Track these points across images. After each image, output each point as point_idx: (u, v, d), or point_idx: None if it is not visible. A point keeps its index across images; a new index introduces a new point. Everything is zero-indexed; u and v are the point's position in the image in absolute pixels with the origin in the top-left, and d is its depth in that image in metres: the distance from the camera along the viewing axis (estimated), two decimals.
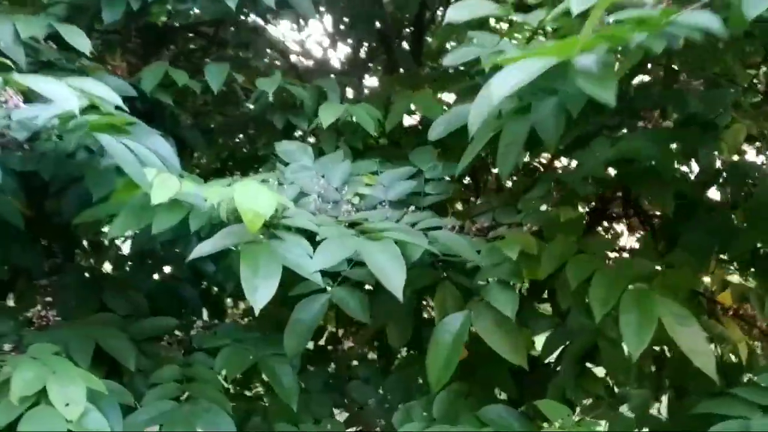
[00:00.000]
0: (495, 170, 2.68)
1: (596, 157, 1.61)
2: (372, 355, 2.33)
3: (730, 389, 1.39)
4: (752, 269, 1.99)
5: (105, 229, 1.88)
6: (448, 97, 2.40)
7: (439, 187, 1.89)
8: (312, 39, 3.84)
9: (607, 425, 1.64)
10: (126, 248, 2.39)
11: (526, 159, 2.30)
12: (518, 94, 1.37)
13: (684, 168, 1.98)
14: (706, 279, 2.00)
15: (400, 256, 1.33)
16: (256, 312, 1.22)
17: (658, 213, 2.13)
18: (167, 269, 2.27)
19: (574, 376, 1.68)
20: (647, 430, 1.82)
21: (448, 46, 3.01)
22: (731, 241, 1.72)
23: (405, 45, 3.14)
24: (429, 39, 3.21)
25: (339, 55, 3.46)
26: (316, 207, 1.66)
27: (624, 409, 1.78)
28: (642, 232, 2.23)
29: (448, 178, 1.94)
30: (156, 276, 2.24)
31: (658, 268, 1.57)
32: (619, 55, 1.19)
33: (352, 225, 1.52)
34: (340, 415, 1.96)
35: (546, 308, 1.96)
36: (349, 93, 2.77)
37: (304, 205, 1.66)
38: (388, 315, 1.69)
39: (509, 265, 1.52)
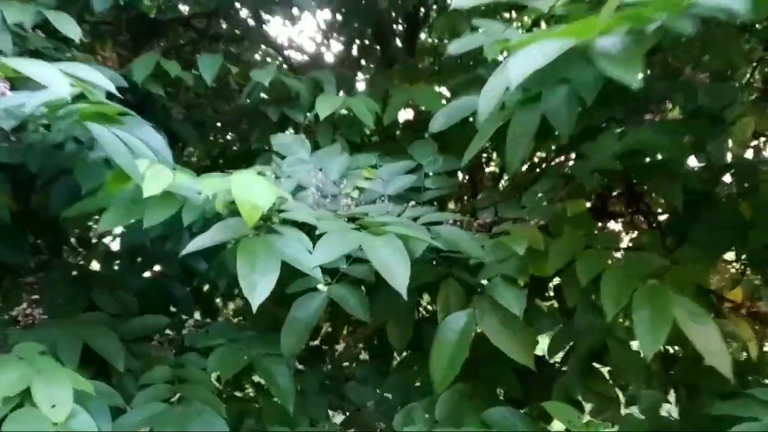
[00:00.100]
0: (489, 168, 2.66)
1: (605, 150, 1.56)
2: (364, 355, 2.28)
3: (746, 390, 1.34)
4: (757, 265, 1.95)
5: (95, 225, 1.84)
6: (445, 92, 2.34)
7: (439, 181, 1.84)
8: (304, 35, 3.82)
9: (617, 427, 1.58)
10: (115, 245, 2.34)
11: None
12: (522, 85, 1.32)
13: (690, 162, 1.93)
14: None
15: (404, 251, 1.27)
16: (254, 309, 1.16)
17: (661, 209, 2.09)
18: (158, 267, 2.21)
19: (581, 376, 1.63)
20: None
21: (444, 41, 2.98)
22: (741, 237, 1.67)
23: (398, 42, 3.10)
24: (422, 36, 3.18)
25: (332, 51, 3.43)
26: (315, 201, 1.60)
27: (633, 410, 1.72)
28: (646, 228, 2.17)
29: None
30: (146, 273, 2.18)
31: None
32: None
33: (351, 219, 1.47)
34: (337, 417, 1.91)
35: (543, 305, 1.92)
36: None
37: (302, 198, 1.60)
38: (388, 313, 1.64)
39: (515, 261, 1.46)
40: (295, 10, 2.90)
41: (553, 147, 2.19)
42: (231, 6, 2.76)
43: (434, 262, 1.61)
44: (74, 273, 2.02)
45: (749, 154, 2.20)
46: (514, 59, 0.90)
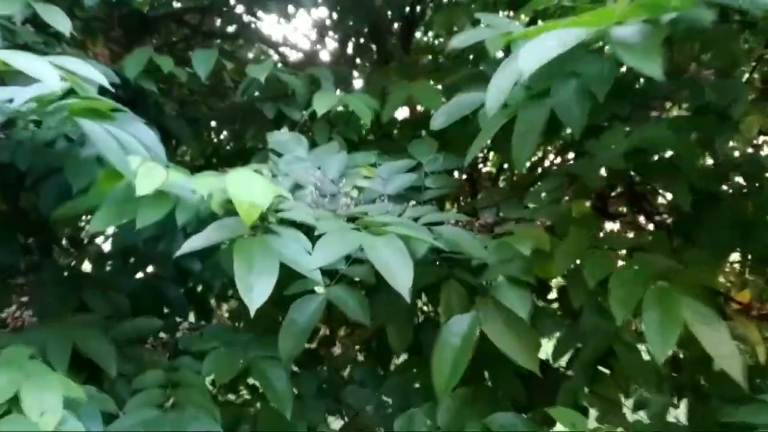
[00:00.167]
0: (485, 167, 2.63)
1: (612, 148, 1.52)
2: (361, 358, 2.24)
3: (757, 395, 1.30)
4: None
5: (86, 225, 1.80)
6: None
7: (439, 180, 1.80)
8: (299, 33, 3.79)
9: None
10: (107, 246, 2.29)
11: None
12: (526, 81, 1.29)
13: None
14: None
15: (406, 252, 1.22)
16: (251, 313, 1.11)
17: (663, 209, 2.05)
18: (150, 267, 2.17)
19: (587, 380, 1.59)
20: None
21: (441, 39, 2.96)
22: (748, 237, 1.63)
23: (393, 41, 3.07)
24: (417, 35, 3.16)
25: (327, 49, 3.40)
26: (313, 200, 1.55)
27: (642, 414, 1.68)
28: (647, 228, 2.14)
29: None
30: (139, 274, 2.14)
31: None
32: None
33: (351, 219, 1.42)
34: (334, 422, 1.87)
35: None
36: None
37: (300, 198, 1.55)
38: (387, 315, 1.59)
39: (520, 262, 1.42)
40: (290, 8, 2.87)
41: (549, 147, 2.16)
42: (225, 2, 2.73)
43: (436, 263, 1.56)
44: (65, 274, 1.99)
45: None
46: (525, 49, 0.85)
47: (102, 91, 1.36)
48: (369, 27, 3.00)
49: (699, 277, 1.46)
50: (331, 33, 3.34)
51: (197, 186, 1.27)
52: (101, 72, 1.47)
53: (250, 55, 3.47)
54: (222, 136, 2.83)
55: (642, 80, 1.77)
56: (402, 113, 2.41)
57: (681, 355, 1.81)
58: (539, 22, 1.83)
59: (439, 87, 2.19)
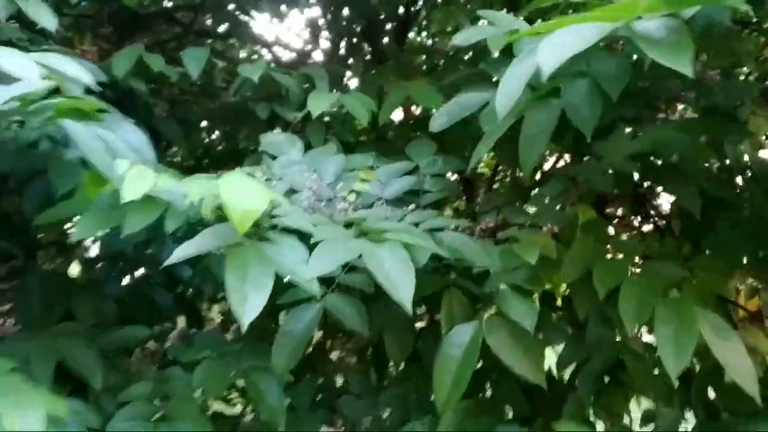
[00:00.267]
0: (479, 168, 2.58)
1: (619, 150, 1.46)
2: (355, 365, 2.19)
3: None
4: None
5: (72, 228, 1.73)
6: None
7: (439, 183, 1.74)
8: (292, 32, 3.74)
9: None
10: (94, 250, 2.23)
11: None
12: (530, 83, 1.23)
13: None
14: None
15: (409, 261, 1.14)
16: (244, 328, 1.03)
17: (665, 214, 2.00)
18: (139, 271, 2.10)
19: (593, 393, 1.53)
20: None
21: (436, 39, 2.91)
22: (760, 243, 1.58)
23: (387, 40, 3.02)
24: (410, 35, 3.11)
25: (319, 50, 3.34)
26: (309, 205, 1.49)
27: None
28: (650, 232, 2.08)
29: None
30: (127, 279, 2.07)
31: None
32: None
33: (349, 225, 1.35)
34: None
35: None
36: None
37: (295, 202, 1.49)
38: (386, 324, 1.53)
39: (526, 271, 1.36)
40: (283, 7, 2.82)
41: (547, 151, 2.11)
42: (218, 0, 2.67)
43: (437, 270, 1.51)
44: (50, 280, 1.91)
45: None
46: (544, 46, 0.79)
47: (90, 90, 1.29)
48: (363, 26, 2.95)
49: (711, 286, 1.41)
50: (323, 32, 3.29)
51: (188, 190, 1.20)
52: (89, 70, 1.41)
53: (243, 55, 3.42)
54: (213, 137, 2.77)
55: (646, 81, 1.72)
56: (397, 115, 2.35)
57: (692, 367, 1.75)
58: (539, 22, 1.78)
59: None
